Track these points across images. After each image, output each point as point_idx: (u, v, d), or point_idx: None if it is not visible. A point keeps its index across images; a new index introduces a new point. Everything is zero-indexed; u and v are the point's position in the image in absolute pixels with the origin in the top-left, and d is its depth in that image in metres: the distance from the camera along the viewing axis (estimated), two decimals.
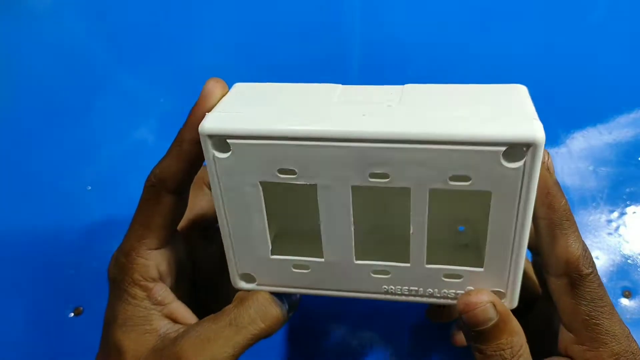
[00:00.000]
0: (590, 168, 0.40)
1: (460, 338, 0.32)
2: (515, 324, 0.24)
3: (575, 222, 0.25)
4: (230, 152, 0.22)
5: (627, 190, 0.40)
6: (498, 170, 0.20)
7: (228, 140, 0.22)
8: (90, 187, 0.38)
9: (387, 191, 0.22)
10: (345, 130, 0.21)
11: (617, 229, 0.38)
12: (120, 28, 0.44)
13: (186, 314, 0.27)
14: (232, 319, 0.24)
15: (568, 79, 0.44)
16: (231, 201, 0.23)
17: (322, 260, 0.24)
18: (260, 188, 0.23)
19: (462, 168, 0.20)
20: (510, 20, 0.47)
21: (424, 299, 0.24)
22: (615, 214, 0.39)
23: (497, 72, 0.44)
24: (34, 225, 0.37)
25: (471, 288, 0.24)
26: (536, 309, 0.30)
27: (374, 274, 0.24)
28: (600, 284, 0.25)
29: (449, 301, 0.24)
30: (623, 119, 0.42)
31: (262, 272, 0.25)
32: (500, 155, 0.19)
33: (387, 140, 0.20)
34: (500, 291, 0.24)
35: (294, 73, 0.43)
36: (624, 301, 0.36)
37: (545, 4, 0.47)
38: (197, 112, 0.24)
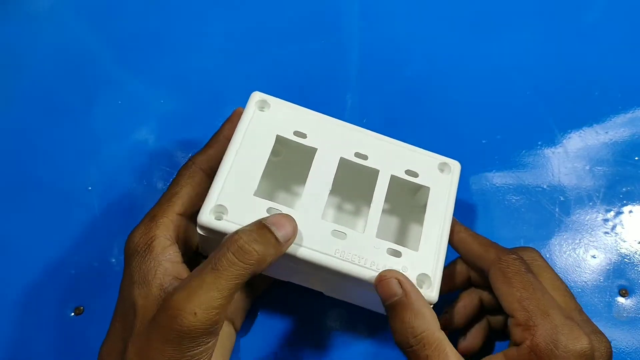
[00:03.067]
0: (587, 167, 0.41)
1: (464, 346, 0.33)
2: (423, 308, 0.27)
3: None
4: (266, 110, 0.31)
5: (624, 189, 0.40)
6: (436, 174, 0.32)
7: (268, 98, 0.32)
8: (90, 188, 0.38)
9: (359, 180, 0.32)
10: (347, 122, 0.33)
11: (613, 227, 0.39)
12: (120, 29, 0.44)
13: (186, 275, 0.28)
14: (213, 265, 0.25)
15: (564, 79, 0.44)
16: (247, 143, 0.30)
17: (293, 210, 0.29)
18: (274, 141, 0.31)
19: (414, 165, 0.32)
20: (507, 22, 0.47)
21: (365, 271, 0.28)
22: (612, 213, 0.39)
23: (495, 73, 0.44)
24: (34, 225, 0.37)
25: (406, 266, 0.29)
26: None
27: (333, 235, 0.29)
28: (529, 269, 0.29)
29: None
30: (619, 118, 0.43)
31: (237, 208, 0.28)
32: (437, 165, 0.32)
33: (372, 135, 0.33)
34: (426, 274, 0.29)
35: (293, 74, 0.43)
36: (621, 300, 0.36)
37: (542, 4, 0.48)
38: (237, 113, 0.32)
